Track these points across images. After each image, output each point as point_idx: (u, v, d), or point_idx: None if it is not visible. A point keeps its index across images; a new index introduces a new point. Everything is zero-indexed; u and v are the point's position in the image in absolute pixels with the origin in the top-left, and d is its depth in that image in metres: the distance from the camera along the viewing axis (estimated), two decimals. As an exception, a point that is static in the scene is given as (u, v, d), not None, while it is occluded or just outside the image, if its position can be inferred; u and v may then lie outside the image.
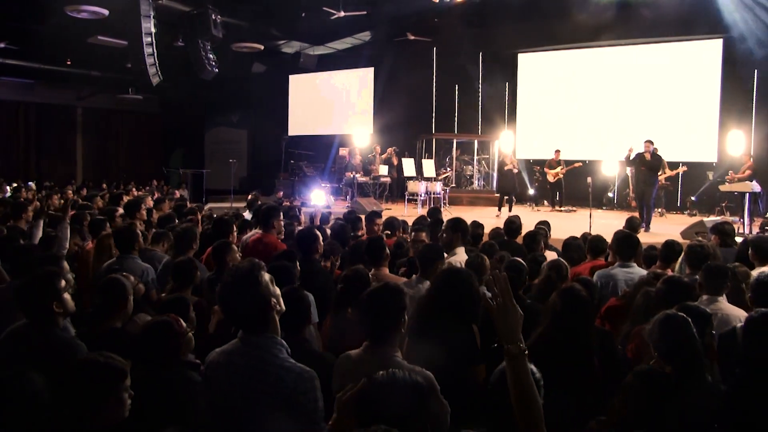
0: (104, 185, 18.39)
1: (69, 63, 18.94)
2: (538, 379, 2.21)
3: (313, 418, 2.30)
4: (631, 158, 12.00)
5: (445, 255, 4.76)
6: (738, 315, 3.69)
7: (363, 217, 7.16)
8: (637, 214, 10.56)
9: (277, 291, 2.45)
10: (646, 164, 11.85)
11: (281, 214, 5.90)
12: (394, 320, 2.69)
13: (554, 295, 3.25)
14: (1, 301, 3.71)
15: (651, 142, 11.91)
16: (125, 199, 8.97)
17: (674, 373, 2.67)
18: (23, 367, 2.35)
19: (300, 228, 6.28)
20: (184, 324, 2.85)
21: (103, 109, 23.50)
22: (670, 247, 5.15)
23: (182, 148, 23.39)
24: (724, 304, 3.88)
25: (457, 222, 5.55)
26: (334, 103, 21.13)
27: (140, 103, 23.27)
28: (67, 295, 3.06)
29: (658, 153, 12.03)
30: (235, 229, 5.78)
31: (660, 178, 14.31)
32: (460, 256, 5.11)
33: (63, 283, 3.06)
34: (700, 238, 7.16)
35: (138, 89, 21.55)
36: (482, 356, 3.36)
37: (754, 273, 3.72)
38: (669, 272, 4.67)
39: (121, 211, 7.11)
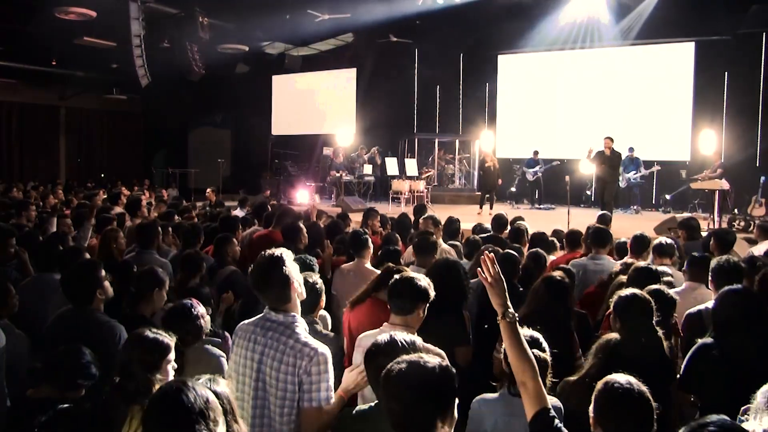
0: (90, 184, 18.48)
1: (54, 63, 19.00)
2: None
3: (321, 388, 2.60)
4: (592, 156, 12.48)
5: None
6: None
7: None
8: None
9: (300, 278, 2.81)
10: (607, 161, 12.30)
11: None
12: (418, 305, 3.13)
13: (538, 281, 3.63)
14: (29, 292, 4.03)
15: (611, 139, 12.38)
16: (123, 198, 9.23)
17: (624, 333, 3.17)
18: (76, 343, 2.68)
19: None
20: (202, 306, 3.21)
21: (87, 109, 23.53)
22: (639, 239, 5.61)
23: (165, 148, 23.53)
24: (704, 289, 4.30)
25: (435, 218, 6.18)
26: (317, 103, 21.35)
27: (123, 103, 23.34)
28: (107, 283, 3.41)
29: (617, 150, 12.51)
30: (240, 225, 6.17)
31: (635, 176, 14.89)
32: (443, 248, 5.54)
33: (103, 272, 3.40)
34: (672, 234, 7.64)
35: (122, 89, 21.67)
36: (469, 339, 3.78)
37: (713, 261, 4.13)
38: (640, 261, 5.11)
39: (118, 209, 7.40)
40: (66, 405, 2.46)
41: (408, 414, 1.86)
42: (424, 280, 3.20)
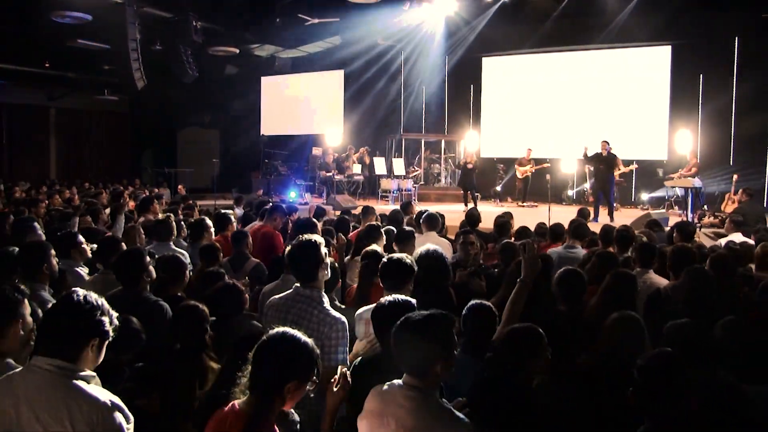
0: (86, 184, 18.69)
1: (47, 65, 19.24)
2: None
3: (338, 351, 3.07)
4: (588, 156, 13.11)
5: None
6: (661, 282, 4.66)
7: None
8: (589, 207, 11.44)
9: (328, 261, 3.31)
10: (604, 162, 12.94)
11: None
12: (406, 280, 3.61)
13: (513, 264, 4.16)
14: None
15: (607, 143, 13.01)
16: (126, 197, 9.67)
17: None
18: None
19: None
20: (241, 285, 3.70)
21: (76, 109, 23.73)
22: (608, 232, 6.25)
23: (154, 148, 23.84)
24: (651, 274, 4.84)
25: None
26: (306, 104, 21.72)
27: (112, 103, 23.54)
28: (151, 267, 3.89)
29: (613, 152, 13.11)
30: (234, 219, 6.71)
31: (615, 175, 15.44)
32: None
33: (148, 258, 3.88)
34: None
35: (113, 90, 21.91)
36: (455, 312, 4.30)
37: (673, 248, 4.71)
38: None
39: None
40: (140, 364, 2.94)
41: (414, 355, 2.33)
42: (408, 259, 3.70)
